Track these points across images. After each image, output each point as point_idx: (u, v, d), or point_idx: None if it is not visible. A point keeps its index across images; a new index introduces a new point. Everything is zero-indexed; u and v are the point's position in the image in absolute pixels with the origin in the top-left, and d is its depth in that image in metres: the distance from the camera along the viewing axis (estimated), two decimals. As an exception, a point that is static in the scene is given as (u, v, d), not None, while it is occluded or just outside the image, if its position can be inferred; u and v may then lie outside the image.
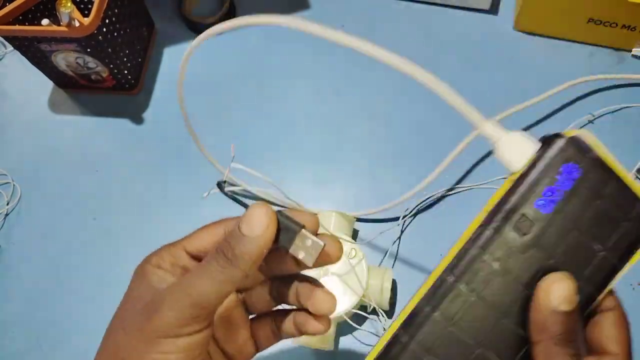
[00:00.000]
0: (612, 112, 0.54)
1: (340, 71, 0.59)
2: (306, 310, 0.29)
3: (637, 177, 0.51)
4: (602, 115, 0.54)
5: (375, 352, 0.24)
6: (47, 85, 0.62)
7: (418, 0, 0.62)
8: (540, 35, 0.58)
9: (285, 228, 0.25)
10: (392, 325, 0.24)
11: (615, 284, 0.24)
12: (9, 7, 0.51)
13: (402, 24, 0.61)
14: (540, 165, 0.24)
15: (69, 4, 0.47)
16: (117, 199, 0.56)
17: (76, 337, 0.50)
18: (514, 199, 0.24)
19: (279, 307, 0.31)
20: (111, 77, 0.58)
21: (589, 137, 0.24)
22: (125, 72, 0.57)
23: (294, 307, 0.30)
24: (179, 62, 0.62)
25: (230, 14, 0.63)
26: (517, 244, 0.24)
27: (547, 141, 0.25)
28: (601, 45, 0.57)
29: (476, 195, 0.52)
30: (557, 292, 0.23)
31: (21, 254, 0.54)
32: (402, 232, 0.50)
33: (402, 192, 0.49)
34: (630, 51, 0.56)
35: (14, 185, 0.57)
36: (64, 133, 0.60)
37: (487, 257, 0.24)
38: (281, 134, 0.57)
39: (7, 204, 0.56)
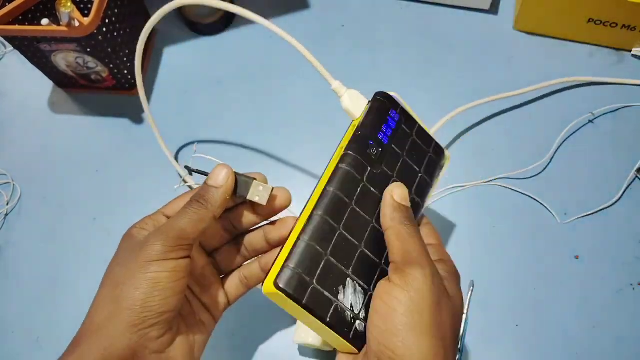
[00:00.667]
0: (612, 112, 0.54)
1: (340, 71, 0.59)
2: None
3: (637, 177, 0.51)
4: (602, 115, 0.54)
5: (285, 252, 0.31)
6: (47, 85, 0.62)
7: (418, 0, 0.62)
8: (540, 35, 0.58)
9: (242, 182, 0.34)
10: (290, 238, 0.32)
11: (430, 196, 0.37)
12: (9, 7, 0.51)
13: (402, 24, 0.61)
14: (377, 110, 0.35)
15: (68, 4, 0.47)
16: (117, 199, 0.56)
17: (76, 337, 0.50)
18: (363, 132, 0.34)
19: (247, 263, 0.39)
20: (111, 77, 0.58)
21: (399, 97, 0.37)
22: (125, 72, 0.57)
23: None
24: (179, 62, 0.62)
25: (230, 14, 0.63)
26: (371, 161, 0.34)
27: (376, 97, 0.36)
28: (601, 45, 0.57)
29: (474, 193, 0.52)
30: (397, 192, 0.33)
31: (21, 254, 0.54)
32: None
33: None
34: (630, 51, 0.56)
35: (13, 185, 0.57)
36: (64, 133, 0.60)
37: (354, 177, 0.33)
38: (280, 133, 0.57)
39: (7, 204, 0.56)
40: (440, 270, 0.32)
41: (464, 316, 0.46)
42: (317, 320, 0.30)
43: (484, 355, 0.45)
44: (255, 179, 0.35)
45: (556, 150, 0.52)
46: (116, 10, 0.54)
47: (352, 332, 0.31)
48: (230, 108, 0.59)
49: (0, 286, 0.53)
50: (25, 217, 0.56)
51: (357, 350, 0.31)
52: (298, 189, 0.53)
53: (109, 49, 0.54)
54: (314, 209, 0.32)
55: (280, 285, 0.29)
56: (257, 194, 0.34)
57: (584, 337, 0.45)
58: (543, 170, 0.52)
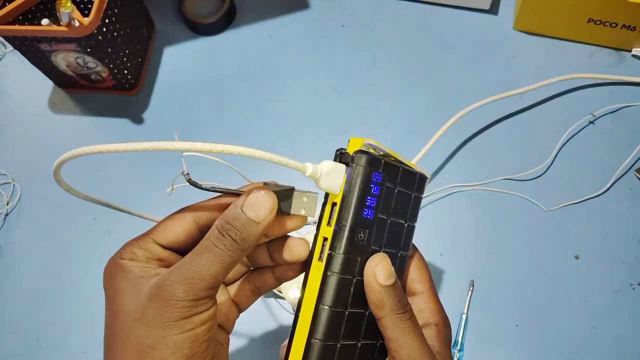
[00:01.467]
0: (612, 112, 0.54)
1: (340, 71, 0.59)
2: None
3: (637, 176, 0.51)
4: (602, 115, 0.54)
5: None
6: (47, 85, 0.62)
7: (418, 0, 0.62)
8: (540, 35, 0.58)
9: (281, 195, 0.28)
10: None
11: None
12: (9, 7, 0.51)
13: (402, 24, 0.61)
14: (359, 185, 0.28)
15: (68, 4, 0.47)
16: (117, 199, 0.55)
17: (75, 337, 0.50)
18: (348, 221, 0.28)
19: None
20: (111, 77, 0.58)
21: (374, 142, 0.29)
22: (125, 72, 0.57)
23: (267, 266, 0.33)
24: (179, 62, 0.62)
25: (230, 14, 0.63)
26: (361, 249, 0.28)
27: (355, 163, 0.28)
28: (601, 45, 0.57)
29: (475, 194, 0.52)
30: (380, 273, 0.28)
31: (21, 254, 0.54)
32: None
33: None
34: (630, 51, 0.56)
35: (14, 185, 0.57)
36: (63, 133, 0.60)
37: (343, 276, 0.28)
38: (280, 133, 0.57)
39: (7, 203, 0.56)
40: (432, 340, 0.30)
41: (464, 316, 0.46)
42: None
43: (485, 355, 0.45)
44: (293, 188, 0.29)
45: (557, 152, 0.52)
46: (116, 10, 0.54)
47: None
48: (230, 108, 0.59)
49: (0, 286, 0.53)
50: (25, 217, 0.56)
51: None
52: (302, 186, 0.53)
53: (109, 49, 0.53)
54: (310, 334, 0.28)
55: None
56: (303, 207, 0.29)
57: (584, 337, 0.45)
58: (544, 173, 0.52)
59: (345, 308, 0.28)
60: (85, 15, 0.52)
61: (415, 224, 0.31)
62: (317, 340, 0.28)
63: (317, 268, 0.28)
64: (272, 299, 0.49)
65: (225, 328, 0.33)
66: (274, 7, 0.64)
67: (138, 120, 0.59)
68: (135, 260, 0.29)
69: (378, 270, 0.28)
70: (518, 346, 0.45)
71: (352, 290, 0.28)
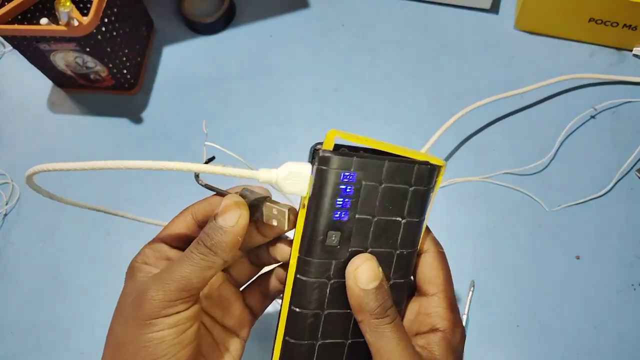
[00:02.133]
0: (613, 112, 0.54)
1: (340, 70, 0.59)
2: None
3: (639, 177, 0.50)
4: (603, 115, 0.54)
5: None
6: (46, 84, 0.62)
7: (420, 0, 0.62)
8: (541, 35, 0.58)
9: (253, 205, 0.28)
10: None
11: (424, 228, 0.29)
12: (8, 7, 0.51)
13: (402, 23, 0.61)
14: (322, 185, 0.26)
15: (67, 3, 0.47)
16: (117, 199, 0.55)
17: (75, 337, 0.49)
18: (313, 224, 0.27)
19: (263, 271, 0.34)
20: (110, 77, 0.57)
21: (342, 134, 0.27)
22: (125, 71, 0.57)
23: (275, 265, 0.33)
24: (178, 61, 0.62)
25: (230, 13, 0.63)
26: (334, 252, 0.27)
27: (318, 165, 0.27)
28: (602, 45, 0.57)
29: (475, 193, 0.51)
30: (361, 276, 0.27)
31: (20, 254, 0.54)
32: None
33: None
34: (631, 51, 0.56)
35: (12, 185, 0.57)
36: (63, 132, 0.60)
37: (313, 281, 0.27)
38: (280, 133, 0.57)
39: (6, 204, 0.56)
40: (434, 346, 0.28)
41: (465, 317, 0.46)
42: None
43: (485, 355, 0.45)
44: (266, 197, 0.29)
45: (558, 149, 0.52)
46: (115, 10, 0.53)
47: None
48: (230, 107, 0.59)
49: (-1, 286, 0.53)
50: (25, 217, 0.56)
51: None
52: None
53: (108, 49, 0.53)
54: (286, 334, 0.28)
55: None
56: (274, 218, 0.29)
57: (585, 338, 0.45)
58: (545, 168, 0.52)
59: (321, 309, 0.28)
60: (85, 15, 0.52)
61: (424, 219, 0.29)
62: (289, 339, 0.28)
63: (292, 269, 0.28)
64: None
65: (237, 333, 0.33)
66: (273, 7, 0.63)
67: (137, 119, 0.59)
68: (146, 263, 0.30)
69: (358, 273, 0.27)
70: (519, 346, 0.45)
71: (327, 292, 0.27)
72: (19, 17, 0.53)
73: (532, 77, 0.55)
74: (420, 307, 0.30)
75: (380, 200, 0.27)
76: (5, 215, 0.56)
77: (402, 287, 0.29)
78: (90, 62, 0.55)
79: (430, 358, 0.28)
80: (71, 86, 0.61)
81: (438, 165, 0.29)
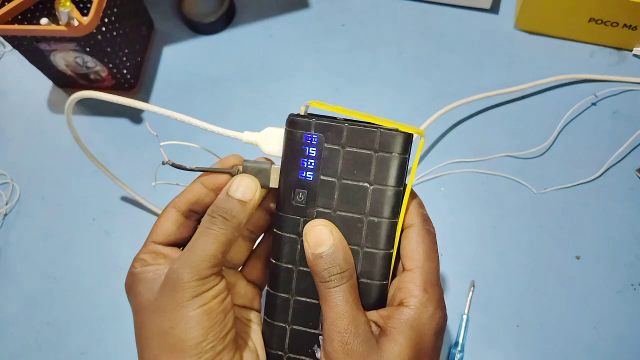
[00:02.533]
0: (613, 111, 0.54)
1: (340, 70, 0.59)
2: None
3: (639, 177, 0.50)
4: (603, 115, 0.54)
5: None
6: (46, 84, 0.62)
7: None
8: (541, 35, 0.58)
9: (259, 171, 0.30)
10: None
11: (407, 199, 0.29)
12: (8, 7, 0.51)
13: (402, 23, 0.61)
14: (288, 145, 0.29)
15: (68, 3, 0.47)
16: (117, 199, 0.55)
17: (75, 337, 0.49)
18: (283, 181, 0.30)
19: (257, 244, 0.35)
20: (110, 77, 0.57)
21: (315, 103, 0.30)
22: (125, 71, 0.57)
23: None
24: (178, 61, 0.62)
25: (230, 13, 0.63)
26: (301, 211, 0.29)
27: (286, 127, 0.29)
28: (602, 45, 0.57)
29: (474, 192, 0.51)
30: (309, 241, 0.28)
31: (20, 254, 0.54)
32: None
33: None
34: (632, 51, 0.56)
35: (13, 185, 0.57)
36: (63, 132, 0.60)
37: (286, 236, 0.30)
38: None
39: (6, 203, 0.56)
40: (395, 321, 0.28)
41: (465, 317, 0.46)
42: None
43: (485, 355, 0.45)
44: (272, 162, 0.31)
45: (555, 139, 0.52)
46: (115, 10, 0.53)
47: None
48: (230, 107, 0.59)
49: (-1, 286, 0.53)
50: (25, 217, 0.56)
51: None
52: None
53: (108, 49, 0.53)
54: (267, 284, 0.31)
55: None
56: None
57: (585, 338, 0.45)
58: (543, 157, 0.52)
59: (294, 264, 0.30)
60: (85, 15, 0.52)
61: (399, 188, 0.28)
62: (269, 289, 0.30)
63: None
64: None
65: (251, 306, 0.34)
66: (273, 6, 0.63)
67: (137, 119, 0.59)
68: (146, 266, 0.31)
69: (308, 237, 0.28)
70: (519, 346, 0.45)
71: (298, 248, 0.30)
72: (19, 17, 0.53)
73: (532, 76, 0.55)
74: (398, 283, 0.29)
75: (344, 163, 0.29)
76: (5, 215, 0.56)
77: (375, 258, 0.29)
78: (90, 62, 0.55)
79: (383, 330, 0.27)
80: (71, 86, 0.61)
81: (407, 133, 0.28)
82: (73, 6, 0.48)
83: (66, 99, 0.61)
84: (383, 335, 0.27)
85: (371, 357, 0.26)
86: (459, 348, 0.45)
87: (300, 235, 0.29)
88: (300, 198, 0.29)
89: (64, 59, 0.55)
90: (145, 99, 0.60)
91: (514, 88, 0.54)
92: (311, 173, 0.29)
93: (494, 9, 0.60)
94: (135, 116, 0.59)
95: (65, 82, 0.60)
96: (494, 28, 0.59)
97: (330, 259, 0.28)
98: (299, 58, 0.61)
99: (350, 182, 0.29)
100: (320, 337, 0.30)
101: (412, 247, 0.29)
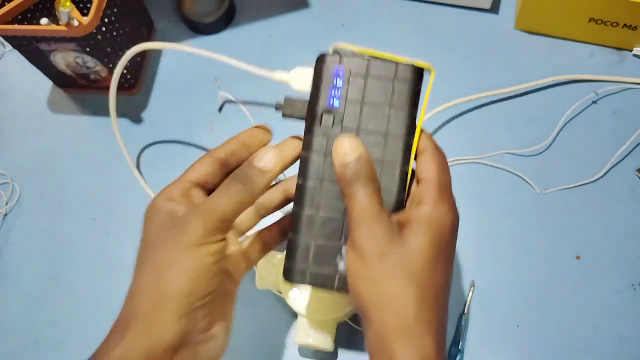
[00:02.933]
0: (613, 111, 0.54)
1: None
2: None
3: (638, 177, 0.50)
4: (603, 115, 0.54)
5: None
6: (46, 84, 0.62)
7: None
8: (541, 35, 0.58)
9: (296, 103, 0.35)
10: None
11: (420, 126, 0.33)
12: (8, 7, 0.51)
13: (402, 23, 0.61)
14: (317, 77, 0.34)
15: (68, 3, 0.47)
16: (117, 199, 0.55)
17: (75, 337, 0.49)
18: (312, 106, 0.34)
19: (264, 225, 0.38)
20: (110, 77, 0.57)
21: (342, 44, 0.34)
22: (125, 71, 0.57)
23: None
24: (178, 61, 0.62)
25: (230, 13, 0.63)
26: (328, 132, 0.33)
27: (316, 62, 0.34)
28: (602, 45, 0.57)
29: (473, 191, 0.51)
30: (337, 151, 0.31)
31: (20, 254, 0.54)
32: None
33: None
34: (632, 51, 0.56)
35: (13, 185, 0.57)
36: (63, 133, 0.60)
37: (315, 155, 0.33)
38: (281, 133, 0.57)
39: (6, 203, 0.56)
40: (414, 214, 0.31)
41: (464, 317, 0.46)
42: (329, 290, 0.33)
43: (485, 355, 0.45)
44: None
45: (555, 137, 0.52)
46: (115, 10, 0.53)
47: None
48: (231, 107, 0.59)
49: (-1, 286, 0.53)
50: (25, 217, 0.56)
51: None
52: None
53: (108, 49, 0.53)
54: (293, 205, 0.33)
55: (287, 279, 0.33)
56: None
57: (585, 338, 0.45)
58: (543, 155, 0.52)
59: (319, 182, 0.33)
60: (85, 15, 0.52)
61: (413, 113, 0.33)
62: (296, 209, 0.33)
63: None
64: (272, 300, 0.49)
65: (234, 277, 0.36)
66: (273, 6, 0.63)
67: (137, 119, 0.59)
68: (172, 200, 0.33)
69: (337, 147, 0.32)
70: (519, 347, 0.45)
71: (323, 166, 0.33)
72: (19, 17, 0.53)
73: (532, 77, 0.55)
74: (413, 195, 0.32)
75: (366, 91, 0.34)
76: (5, 215, 0.56)
77: (393, 172, 0.32)
78: (90, 62, 0.55)
79: (404, 224, 0.30)
80: (71, 86, 0.61)
81: (420, 67, 0.33)
82: (73, 6, 0.48)
83: (66, 99, 0.62)
84: (404, 228, 0.30)
85: (394, 241, 0.29)
86: (459, 348, 0.45)
87: (326, 155, 0.33)
88: (328, 121, 0.34)
89: (64, 59, 0.55)
90: (145, 99, 0.60)
91: (513, 87, 0.54)
92: (338, 100, 0.33)
93: (494, 9, 0.60)
94: (134, 116, 0.59)
95: (65, 82, 0.60)
96: (494, 28, 0.59)
97: (358, 166, 0.31)
98: (299, 58, 0.60)
99: (371, 107, 0.33)
100: (344, 247, 0.32)
101: (426, 164, 0.32)
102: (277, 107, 0.36)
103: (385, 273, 0.29)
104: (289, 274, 0.33)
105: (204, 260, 0.30)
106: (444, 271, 0.31)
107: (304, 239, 0.33)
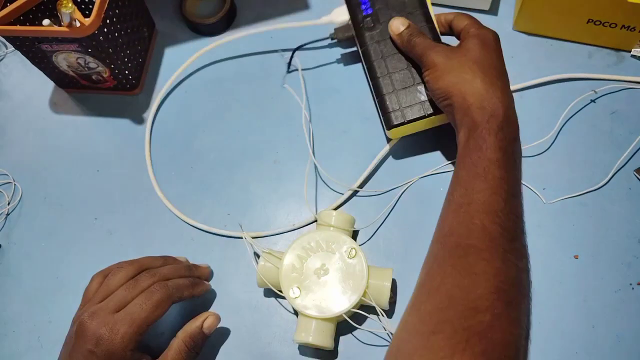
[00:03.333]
0: (612, 112, 0.54)
1: (340, 71, 0.59)
2: None
3: (637, 176, 0.51)
4: (601, 115, 0.54)
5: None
6: (48, 85, 0.63)
7: (418, 0, 0.62)
8: (540, 36, 0.59)
9: (345, 26, 0.56)
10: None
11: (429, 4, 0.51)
12: (10, 7, 0.51)
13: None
14: (350, 4, 0.54)
15: (69, 4, 0.47)
16: (118, 199, 0.56)
17: (77, 336, 0.50)
18: (353, 19, 0.53)
19: None
20: (112, 77, 0.58)
21: None
22: (126, 72, 0.58)
23: None
24: (179, 62, 0.63)
25: (231, 14, 0.63)
26: (370, 29, 0.52)
27: None
28: (601, 46, 0.57)
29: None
30: (392, 28, 0.49)
31: (22, 254, 0.54)
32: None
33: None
34: (630, 52, 0.56)
35: (15, 185, 0.57)
36: (65, 133, 0.60)
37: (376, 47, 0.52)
38: (281, 133, 0.57)
39: (8, 203, 0.56)
40: (466, 34, 0.46)
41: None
42: (422, 119, 0.49)
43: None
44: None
45: (557, 134, 0.53)
46: (117, 11, 0.54)
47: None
48: (231, 108, 0.59)
49: (1, 285, 0.53)
50: (26, 217, 0.56)
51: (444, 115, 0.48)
52: (300, 186, 0.54)
53: (110, 50, 0.54)
54: (371, 80, 0.51)
55: (393, 124, 0.49)
56: None
57: (583, 337, 0.45)
58: (543, 156, 0.52)
59: (381, 57, 0.51)
60: (86, 16, 0.53)
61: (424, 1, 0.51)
62: (372, 80, 0.51)
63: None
64: (273, 299, 0.49)
65: None
66: (274, 8, 0.64)
67: (139, 120, 0.59)
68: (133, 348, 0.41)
69: (392, 25, 0.49)
70: (517, 346, 0.45)
71: (380, 49, 0.51)
72: (21, 18, 0.53)
73: (531, 77, 0.55)
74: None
75: None
76: (8, 214, 0.56)
77: (424, 32, 0.49)
78: (92, 62, 0.55)
79: (463, 39, 0.45)
80: (73, 87, 0.61)
81: None
82: (75, 7, 0.48)
83: (68, 100, 0.62)
84: (459, 45, 0.46)
85: (454, 50, 0.45)
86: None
87: (378, 42, 0.51)
88: (368, 22, 0.52)
89: (65, 60, 0.55)
90: (147, 100, 0.60)
91: (512, 87, 0.54)
92: (370, 8, 0.52)
93: (493, 10, 0.60)
94: (136, 116, 0.60)
95: (67, 82, 0.61)
96: (494, 29, 0.59)
97: (409, 31, 0.48)
98: (299, 58, 0.61)
99: (393, 2, 0.51)
100: (419, 85, 0.49)
101: (458, 21, 0.47)
102: (332, 37, 0.56)
103: (456, 66, 0.43)
104: (390, 122, 0.49)
105: None
106: (499, 61, 0.44)
107: (388, 94, 0.49)
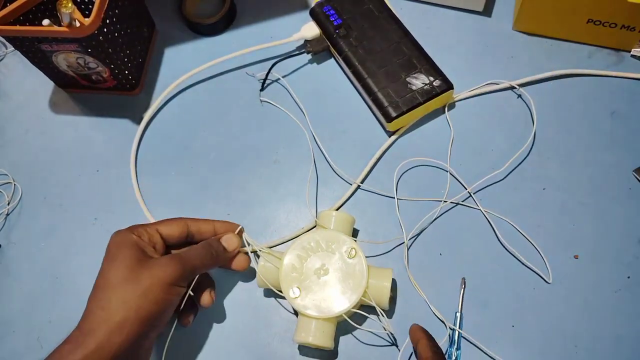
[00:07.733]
0: (611, 112, 0.54)
1: (340, 72, 0.59)
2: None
3: (636, 176, 0.51)
4: (601, 115, 0.54)
5: None
6: (47, 85, 0.63)
7: (416, 0, 0.62)
8: (540, 36, 0.59)
9: (314, 44, 0.58)
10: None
11: None
12: (10, 8, 0.51)
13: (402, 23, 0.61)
14: (318, 18, 0.57)
15: (69, 5, 0.47)
16: (118, 199, 0.56)
17: (77, 336, 0.50)
18: (326, 32, 0.57)
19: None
20: (112, 78, 0.58)
21: None
22: (126, 72, 0.58)
23: None
24: (179, 62, 0.63)
25: (231, 14, 0.63)
26: (346, 35, 0.56)
27: (311, 13, 0.58)
28: (600, 46, 0.57)
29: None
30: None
31: (22, 254, 0.54)
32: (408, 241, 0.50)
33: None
34: (630, 51, 0.56)
35: (14, 185, 0.57)
36: (64, 133, 0.60)
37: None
38: (281, 133, 0.57)
39: (8, 203, 0.56)
40: None
41: (458, 314, 0.46)
42: (419, 106, 0.52)
43: (481, 355, 0.45)
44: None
45: (554, 138, 0.53)
46: (117, 11, 0.54)
47: (434, 90, 0.53)
48: (231, 108, 0.59)
49: (1, 285, 0.53)
50: (26, 217, 0.56)
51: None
52: (300, 186, 0.54)
53: (110, 50, 0.54)
54: (359, 82, 0.54)
55: (393, 116, 0.51)
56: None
57: (583, 337, 0.45)
58: (539, 160, 0.52)
59: (364, 59, 0.54)
60: (86, 16, 0.53)
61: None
62: (362, 82, 0.54)
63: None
64: (272, 299, 0.49)
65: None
66: (274, 8, 0.64)
67: (139, 120, 0.59)
68: (141, 239, 0.41)
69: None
70: (516, 346, 0.45)
71: (359, 51, 0.55)
72: (21, 18, 0.53)
73: (531, 77, 0.55)
74: None
75: (349, 7, 0.57)
76: (7, 214, 0.56)
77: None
78: (92, 63, 0.55)
79: None
80: (73, 87, 0.61)
81: None
82: (75, 7, 0.48)
83: (68, 100, 0.62)
84: None
85: None
86: (455, 346, 0.45)
87: (357, 47, 0.55)
88: (343, 32, 0.55)
89: (65, 60, 0.55)
90: (147, 100, 0.60)
91: (512, 82, 0.55)
92: (339, 19, 0.56)
93: (487, 11, 0.60)
94: (136, 117, 0.60)
95: (66, 83, 0.61)
96: (492, 29, 0.60)
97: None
98: (300, 59, 0.61)
99: (363, 13, 0.57)
100: (407, 77, 0.53)
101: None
102: (307, 51, 0.57)
103: None
104: (389, 114, 0.51)
105: (172, 297, 0.39)
106: None
107: (380, 90, 0.52)
